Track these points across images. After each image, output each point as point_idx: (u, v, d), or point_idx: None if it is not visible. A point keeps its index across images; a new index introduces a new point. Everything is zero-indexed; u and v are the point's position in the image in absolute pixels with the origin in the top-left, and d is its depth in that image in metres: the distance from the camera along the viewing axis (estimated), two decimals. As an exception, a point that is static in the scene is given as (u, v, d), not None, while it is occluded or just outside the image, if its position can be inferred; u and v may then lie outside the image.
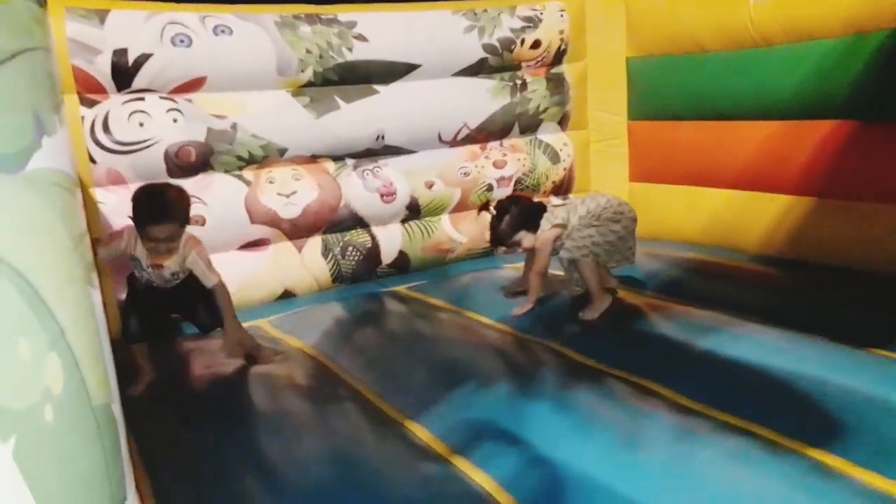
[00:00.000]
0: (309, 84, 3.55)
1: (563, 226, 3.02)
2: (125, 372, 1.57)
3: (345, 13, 3.62)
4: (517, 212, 3.08)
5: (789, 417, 2.01)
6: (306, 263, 3.61)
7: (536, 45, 4.10)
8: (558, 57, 4.21)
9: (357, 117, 3.66)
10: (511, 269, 3.79)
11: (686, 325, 2.71)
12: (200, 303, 2.80)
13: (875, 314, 2.71)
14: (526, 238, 3.07)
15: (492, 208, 3.15)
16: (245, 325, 3.18)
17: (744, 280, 3.33)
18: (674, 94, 4.00)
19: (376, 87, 3.71)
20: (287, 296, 3.56)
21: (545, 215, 3.08)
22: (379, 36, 3.66)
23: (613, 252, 3.02)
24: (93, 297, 0.90)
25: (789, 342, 2.49)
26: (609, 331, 2.80)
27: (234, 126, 3.37)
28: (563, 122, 4.31)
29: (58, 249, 0.82)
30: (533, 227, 3.06)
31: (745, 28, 3.51)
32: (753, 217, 3.71)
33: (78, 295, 0.84)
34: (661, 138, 4.15)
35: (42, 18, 0.90)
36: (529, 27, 4.07)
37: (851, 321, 2.66)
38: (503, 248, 3.47)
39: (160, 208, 2.56)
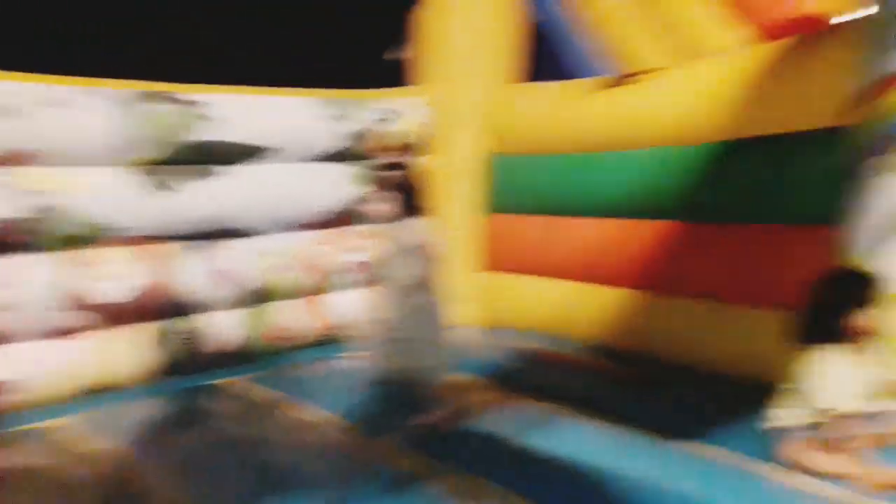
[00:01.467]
0: (149, 162, 3.38)
1: None
2: None
3: (194, 93, 3.51)
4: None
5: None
6: (129, 353, 3.31)
7: (395, 137, 4.16)
8: (416, 150, 4.30)
9: (199, 198, 3.50)
10: (352, 357, 3.68)
11: (518, 420, 2.73)
12: None
13: (689, 408, 2.85)
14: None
15: None
16: (43, 425, 2.86)
17: (577, 370, 3.44)
18: (528, 190, 4.20)
19: (222, 167, 3.59)
20: (103, 389, 3.22)
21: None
22: (228, 118, 3.57)
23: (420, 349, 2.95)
24: None
25: (610, 437, 2.58)
26: (445, 428, 2.74)
27: (59, 203, 3.11)
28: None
29: None
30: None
31: (592, 133, 3.78)
32: (589, 307, 3.86)
33: None
34: (514, 231, 4.30)
35: None
36: (389, 120, 4.13)
37: (668, 414, 2.79)
38: None
39: None
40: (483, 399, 3.00)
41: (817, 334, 2.27)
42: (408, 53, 4.52)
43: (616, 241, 3.76)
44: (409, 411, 2.86)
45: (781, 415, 2.33)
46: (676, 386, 3.13)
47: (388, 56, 4.64)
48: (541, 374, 3.41)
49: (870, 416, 2.25)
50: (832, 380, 2.19)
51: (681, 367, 3.35)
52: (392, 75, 4.60)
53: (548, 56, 4.59)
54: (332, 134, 3.93)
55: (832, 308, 2.26)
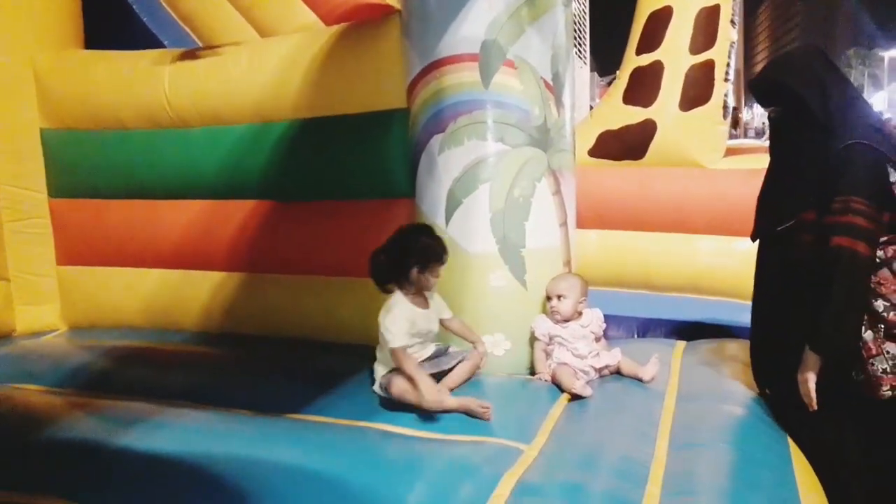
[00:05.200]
0: None
1: None
2: None
3: None
4: None
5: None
6: None
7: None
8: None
9: None
10: None
11: (106, 422, 2.43)
12: None
13: (292, 380, 2.90)
14: None
15: None
16: None
17: (179, 362, 3.23)
18: (96, 170, 3.76)
19: None
20: None
21: None
22: None
23: None
24: None
25: (214, 422, 2.45)
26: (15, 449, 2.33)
27: None
28: (-40, 199, 3.62)
29: None
30: None
31: (163, 108, 3.51)
32: (190, 296, 3.69)
33: None
34: (89, 217, 3.83)
35: None
36: None
37: (273, 390, 2.79)
38: None
39: None
40: (65, 402, 2.63)
41: (391, 278, 2.57)
42: None
43: (208, 224, 3.62)
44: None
45: (379, 368, 2.60)
46: (285, 363, 3.14)
47: None
48: (138, 370, 3.11)
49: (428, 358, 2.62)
50: (392, 320, 2.49)
51: (289, 344, 3.40)
52: None
53: (117, 21, 4.20)
54: None
55: (407, 257, 2.54)
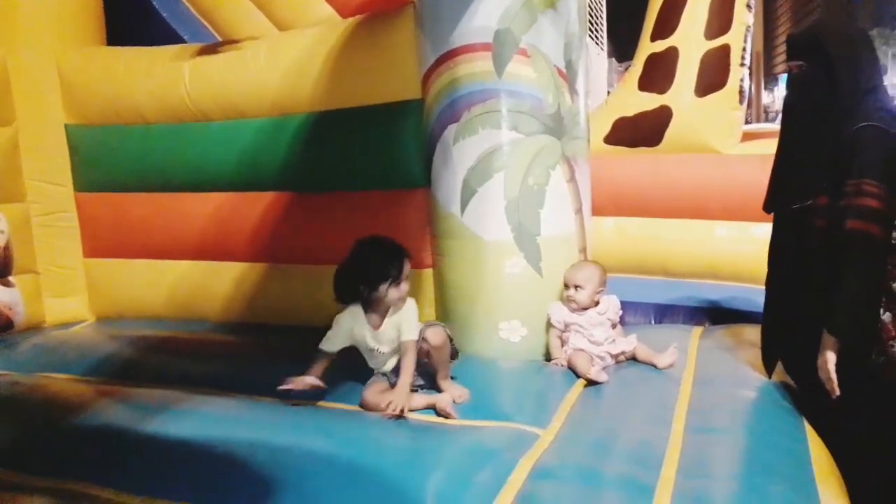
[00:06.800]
0: None
1: None
2: None
3: None
4: None
5: (225, 489, 1.99)
6: None
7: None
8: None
9: None
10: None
11: (134, 409, 2.50)
12: None
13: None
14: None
15: None
16: None
17: (203, 351, 3.31)
18: (120, 164, 3.84)
19: None
20: None
21: None
22: None
23: None
24: None
25: (239, 409, 2.52)
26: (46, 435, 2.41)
27: None
28: (-10, 195, 3.72)
29: None
30: None
31: (184, 102, 3.58)
32: (213, 286, 3.76)
33: None
34: (114, 210, 3.92)
35: None
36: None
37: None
38: None
39: None
40: (93, 391, 2.71)
41: (349, 299, 2.52)
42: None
43: (229, 216, 3.69)
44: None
45: None
46: (306, 351, 3.12)
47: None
48: (163, 359, 3.19)
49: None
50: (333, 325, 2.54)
51: (310, 333, 3.42)
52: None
53: (137, 17, 4.27)
54: None
55: (355, 280, 2.45)
